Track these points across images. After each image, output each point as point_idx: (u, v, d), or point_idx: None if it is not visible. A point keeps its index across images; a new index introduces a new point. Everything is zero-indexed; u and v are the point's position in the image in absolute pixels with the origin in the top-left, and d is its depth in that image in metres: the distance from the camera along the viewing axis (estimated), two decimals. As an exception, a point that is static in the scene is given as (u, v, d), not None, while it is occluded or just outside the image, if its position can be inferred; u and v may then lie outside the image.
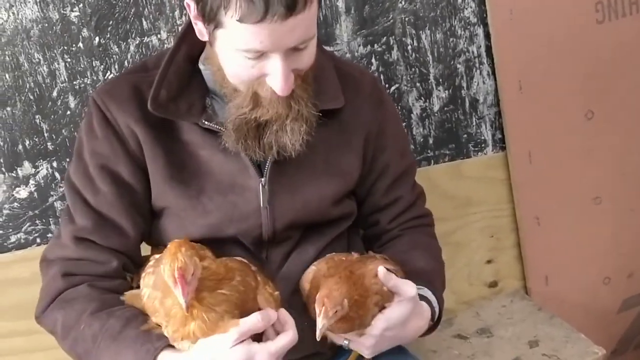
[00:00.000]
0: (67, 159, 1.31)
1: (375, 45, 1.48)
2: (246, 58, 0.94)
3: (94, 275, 1.05)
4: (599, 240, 1.74)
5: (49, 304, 1.04)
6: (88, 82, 1.31)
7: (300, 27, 0.90)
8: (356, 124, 1.15)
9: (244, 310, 0.92)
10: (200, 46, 1.07)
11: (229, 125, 1.02)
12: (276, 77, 0.94)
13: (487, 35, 1.54)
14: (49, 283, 1.06)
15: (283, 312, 0.96)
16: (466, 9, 1.52)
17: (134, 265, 1.09)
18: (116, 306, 1.01)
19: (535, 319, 1.58)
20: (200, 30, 0.98)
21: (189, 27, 1.03)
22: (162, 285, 0.91)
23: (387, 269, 1.00)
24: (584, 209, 1.70)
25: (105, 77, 1.31)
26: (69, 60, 1.29)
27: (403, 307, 1.00)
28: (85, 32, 1.28)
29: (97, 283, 1.04)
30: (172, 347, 0.94)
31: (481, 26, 1.54)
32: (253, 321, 0.91)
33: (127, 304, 1.02)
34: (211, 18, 0.92)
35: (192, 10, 0.96)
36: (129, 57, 1.32)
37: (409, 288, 1.00)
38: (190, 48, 1.06)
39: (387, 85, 1.50)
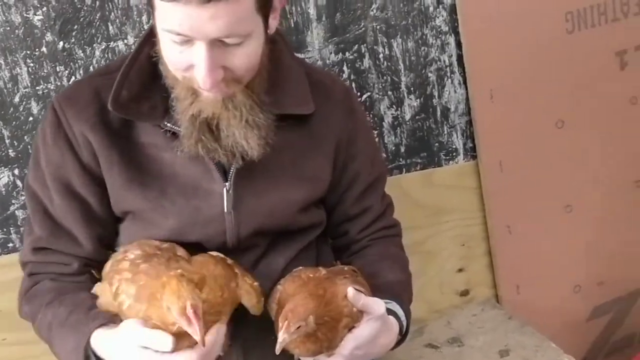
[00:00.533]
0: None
1: (347, 53, 1.47)
2: (173, 42, 0.92)
3: (57, 273, 1.07)
4: (570, 248, 1.75)
5: (21, 302, 1.10)
6: (52, 87, 1.27)
7: (224, 17, 0.88)
8: (327, 131, 1.13)
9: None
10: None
11: (181, 129, 1.00)
12: (199, 68, 0.92)
13: (459, 44, 1.55)
14: (22, 283, 1.11)
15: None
16: (437, 17, 1.52)
17: (97, 264, 1.07)
18: (71, 294, 1.03)
19: (506, 328, 1.58)
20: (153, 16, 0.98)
21: (152, 29, 1.02)
22: (146, 297, 0.90)
23: (356, 289, 0.99)
24: (555, 218, 1.71)
25: (70, 83, 1.28)
26: (31, 65, 1.25)
27: (372, 325, 0.99)
28: (49, 36, 1.25)
29: (60, 278, 1.07)
30: (106, 324, 0.95)
31: (452, 35, 1.54)
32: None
33: (82, 292, 1.04)
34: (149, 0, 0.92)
35: None
36: (94, 62, 1.29)
37: (377, 306, 0.99)
38: (153, 49, 1.04)
39: (359, 93, 1.49)
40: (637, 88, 1.71)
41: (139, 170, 1.04)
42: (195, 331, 0.84)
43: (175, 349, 0.89)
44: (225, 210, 1.05)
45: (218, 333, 0.92)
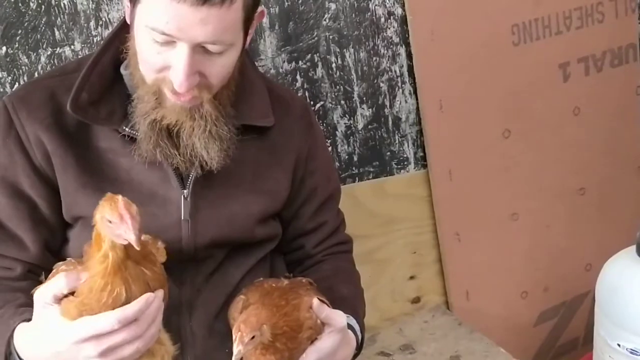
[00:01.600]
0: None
1: (300, 62, 1.48)
2: (153, 41, 0.91)
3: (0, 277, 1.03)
4: (517, 255, 1.79)
5: None
6: (-6, 93, 1.23)
7: (213, 23, 0.88)
8: (287, 145, 1.14)
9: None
10: (124, 51, 1.03)
11: (139, 133, 0.99)
12: (177, 70, 0.91)
13: (409, 55, 1.57)
14: None
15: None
16: (389, 28, 1.54)
17: (43, 270, 1.03)
18: (7, 293, 1.00)
19: (456, 334, 1.60)
20: (127, 10, 0.96)
21: (116, 32, 1.01)
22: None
23: (320, 300, 0.99)
24: (502, 225, 1.75)
25: (13, 89, 1.23)
26: (-28, 70, 1.21)
27: (333, 338, 0.99)
28: (-9, 41, 1.21)
29: (1, 281, 1.02)
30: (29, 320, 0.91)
31: (403, 46, 1.57)
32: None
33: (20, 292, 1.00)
34: None
35: None
36: (39, 68, 1.25)
37: (340, 318, 1.00)
38: (116, 54, 1.03)
39: (312, 102, 1.50)
40: (580, 99, 1.78)
41: (94, 174, 1.02)
42: (128, 227, 0.80)
43: None
44: (182, 218, 1.04)
45: (146, 298, 0.87)
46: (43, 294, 0.86)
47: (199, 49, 0.91)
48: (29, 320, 0.91)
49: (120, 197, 0.82)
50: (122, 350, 0.86)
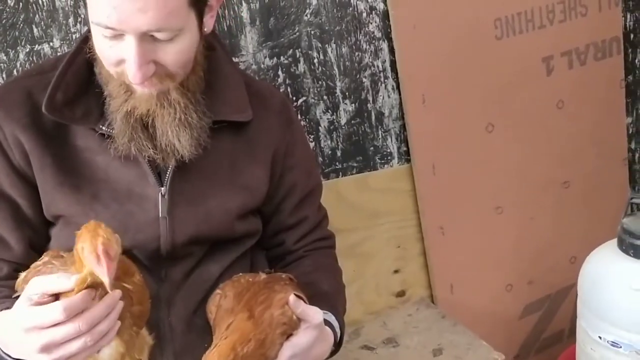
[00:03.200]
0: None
1: (282, 58, 1.48)
2: (103, 37, 0.91)
3: None
4: (501, 248, 1.80)
5: None
6: (-28, 91, 1.23)
7: (153, 10, 0.87)
8: (264, 141, 1.14)
9: None
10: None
11: (114, 127, 0.99)
12: (129, 62, 0.91)
13: (392, 50, 1.57)
14: None
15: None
16: (371, 23, 1.54)
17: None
18: None
19: (440, 327, 1.61)
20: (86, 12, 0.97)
21: (89, 31, 1.00)
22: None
23: (297, 295, 0.99)
24: (486, 219, 1.76)
25: (-6, 86, 1.24)
26: (-50, 68, 1.21)
27: (309, 334, 0.99)
28: (-31, 39, 1.21)
29: None
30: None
31: (385, 41, 1.57)
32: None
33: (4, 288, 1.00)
34: None
35: None
36: (18, 65, 1.25)
37: (316, 315, 1.00)
38: (91, 53, 1.02)
39: (294, 98, 1.50)
40: (563, 92, 1.78)
41: (71, 173, 1.02)
42: (102, 271, 0.80)
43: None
44: (160, 215, 1.04)
45: (113, 295, 0.86)
46: (34, 286, 0.85)
47: (148, 38, 0.91)
48: (8, 309, 0.91)
49: (102, 231, 0.83)
50: (68, 346, 0.84)
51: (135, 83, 0.94)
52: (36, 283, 0.86)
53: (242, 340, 0.92)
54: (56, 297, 0.85)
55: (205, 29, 1.01)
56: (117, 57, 0.93)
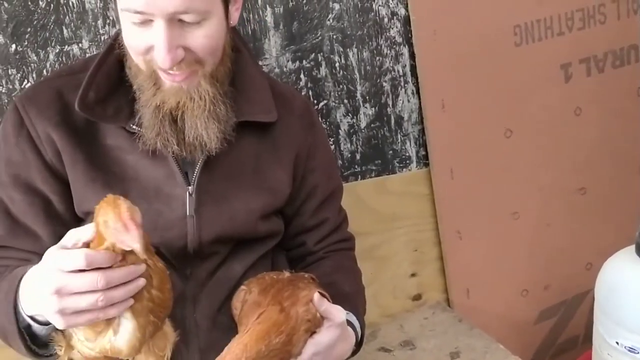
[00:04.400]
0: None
1: (304, 61, 1.50)
2: (132, 24, 0.93)
3: (16, 266, 1.03)
4: (517, 253, 1.81)
5: None
6: (3, 90, 1.25)
7: None
8: (287, 143, 1.15)
9: None
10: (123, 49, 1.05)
11: (144, 121, 1.00)
12: (158, 46, 0.93)
13: (412, 55, 1.59)
14: None
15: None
16: (392, 28, 1.56)
17: None
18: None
19: (456, 331, 1.62)
20: (115, 8, 0.99)
21: (120, 32, 1.02)
22: None
23: (321, 294, 1.01)
24: (502, 224, 1.76)
25: (22, 86, 1.26)
26: (-18, 67, 1.24)
27: (332, 332, 1.01)
28: (0, 39, 1.23)
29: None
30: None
31: (406, 46, 1.58)
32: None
33: None
34: None
35: None
36: (47, 65, 1.27)
37: (339, 313, 1.01)
38: (121, 53, 1.05)
39: (315, 101, 1.52)
40: (581, 99, 1.79)
41: (102, 170, 1.04)
42: (133, 237, 0.79)
43: None
44: (187, 214, 1.06)
45: (138, 267, 0.86)
46: (69, 236, 0.86)
47: (176, 23, 0.93)
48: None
49: (122, 201, 0.83)
50: (80, 298, 0.83)
51: (164, 68, 0.95)
52: (71, 233, 0.87)
53: (276, 330, 0.93)
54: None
55: (231, 22, 1.03)
56: (146, 44, 0.95)
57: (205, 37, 0.96)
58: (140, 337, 0.88)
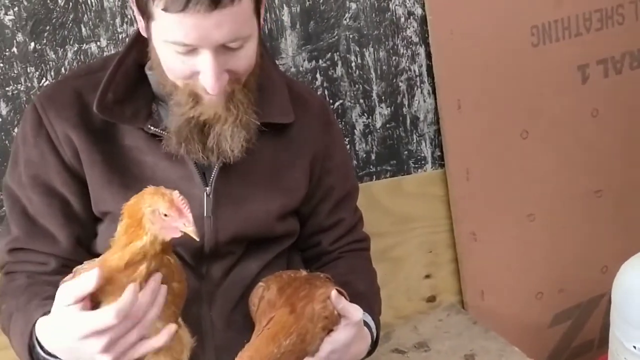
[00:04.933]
0: (-3, 167, 1.26)
1: (320, 61, 1.49)
2: (176, 53, 0.93)
3: (34, 272, 1.05)
4: (533, 256, 1.79)
5: None
6: (22, 88, 1.26)
7: (228, 22, 0.90)
8: (304, 143, 1.15)
9: None
10: (148, 52, 1.05)
11: (171, 127, 1.00)
12: (206, 75, 0.93)
13: (428, 55, 1.58)
14: None
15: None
16: (408, 28, 1.55)
17: (75, 264, 1.04)
18: (38, 286, 1.01)
19: (471, 333, 1.61)
20: (141, 25, 0.98)
21: (138, 32, 1.03)
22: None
23: (339, 291, 1.01)
24: (518, 226, 1.75)
25: (41, 84, 1.27)
26: (1, 65, 1.24)
27: (349, 330, 1.01)
28: (20, 37, 1.24)
29: (35, 276, 1.05)
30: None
31: (422, 46, 1.58)
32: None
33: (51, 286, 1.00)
34: (144, 10, 0.93)
35: (133, 5, 0.96)
36: (66, 63, 1.28)
37: (356, 312, 1.01)
38: (140, 54, 1.05)
39: (331, 101, 1.52)
40: (598, 101, 1.77)
41: (120, 171, 1.04)
42: (187, 220, 0.81)
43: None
44: (205, 214, 1.06)
45: (134, 287, 0.86)
46: (65, 294, 0.86)
47: (221, 49, 0.93)
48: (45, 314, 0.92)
49: (173, 192, 0.84)
50: (125, 341, 0.86)
51: (213, 94, 0.95)
52: (63, 292, 0.86)
53: (285, 332, 0.94)
54: (91, 295, 0.86)
55: (260, 28, 1.03)
56: (191, 71, 0.95)
57: (246, 58, 0.97)
58: (159, 328, 0.90)
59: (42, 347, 0.93)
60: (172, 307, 0.90)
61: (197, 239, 0.84)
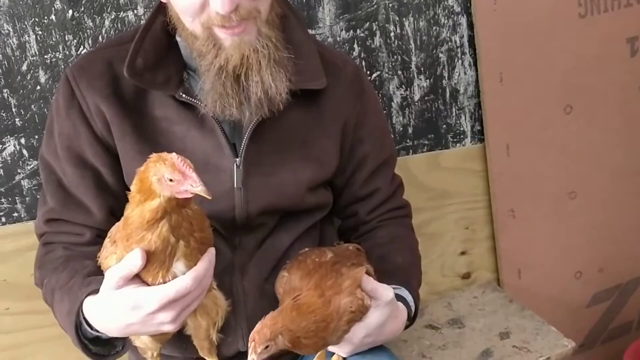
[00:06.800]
0: (36, 136, 1.27)
1: (358, 31, 1.46)
2: None
3: (70, 242, 1.07)
4: (572, 235, 1.75)
5: (34, 270, 1.10)
6: (60, 56, 1.26)
7: None
8: (334, 112, 1.13)
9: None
10: (176, 18, 1.03)
11: (205, 86, 0.99)
12: None
13: (470, 25, 1.53)
14: (37, 252, 1.11)
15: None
16: (450, -3, 1.51)
17: None
18: (76, 261, 1.02)
19: (506, 311, 1.58)
20: None
21: None
22: (120, 236, 0.88)
23: (367, 272, 0.99)
24: (558, 203, 1.71)
25: (78, 52, 1.27)
26: (40, 32, 1.24)
27: (380, 312, 0.99)
28: (58, 5, 1.23)
29: (71, 247, 1.06)
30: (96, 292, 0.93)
31: (465, 16, 1.53)
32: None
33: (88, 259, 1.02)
34: None
35: None
36: (103, 32, 1.27)
37: (385, 291, 0.99)
38: (167, 19, 1.03)
39: (368, 72, 1.48)
40: (647, 75, 1.71)
41: (150, 142, 1.04)
42: (195, 181, 0.81)
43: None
44: (235, 186, 1.05)
45: (209, 256, 0.91)
46: (113, 277, 0.87)
47: None
48: (96, 291, 0.92)
49: (172, 155, 0.83)
50: (189, 308, 0.90)
51: (224, 12, 0.92)
52: (111, 277, 0.88)
53: (312, 310, 0.92)
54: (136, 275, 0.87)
55: None
56: (201, 2, 0.93)
57: None
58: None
59: (89, 325, 0.95)
60: (198, 255, 0.90)
61: (209, 197, 0.82)
